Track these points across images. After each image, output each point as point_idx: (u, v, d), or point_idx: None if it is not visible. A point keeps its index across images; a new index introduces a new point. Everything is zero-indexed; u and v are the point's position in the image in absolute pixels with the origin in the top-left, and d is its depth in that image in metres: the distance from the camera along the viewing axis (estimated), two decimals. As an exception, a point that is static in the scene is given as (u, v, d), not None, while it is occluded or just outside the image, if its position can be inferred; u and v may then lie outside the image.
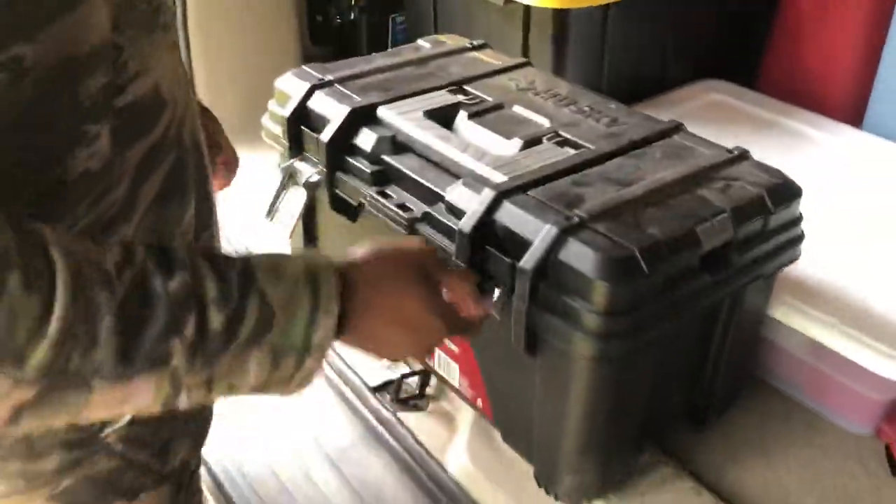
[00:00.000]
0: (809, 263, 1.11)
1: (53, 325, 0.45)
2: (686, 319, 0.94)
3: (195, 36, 1.81)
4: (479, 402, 1.14)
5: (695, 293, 0.91)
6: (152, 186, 0.64)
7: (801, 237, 1.04)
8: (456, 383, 1.17)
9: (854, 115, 1.53)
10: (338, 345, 0.61)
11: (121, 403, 0.51)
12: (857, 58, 1.53)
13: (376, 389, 1.33)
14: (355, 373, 1.36)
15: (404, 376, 1.31)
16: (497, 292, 0.88)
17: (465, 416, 1.24)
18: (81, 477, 0.68)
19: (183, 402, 0.53)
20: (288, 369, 0.56)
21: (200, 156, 0.73)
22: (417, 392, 1.32)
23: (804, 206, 1.02)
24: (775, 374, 1.21)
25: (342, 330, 0.59)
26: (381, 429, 1.29)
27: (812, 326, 1.09)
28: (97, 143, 0.57)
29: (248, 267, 0.54)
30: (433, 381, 1.31)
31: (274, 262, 0.56)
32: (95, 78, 0.55)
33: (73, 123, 0.56)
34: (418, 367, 1.31)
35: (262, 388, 0.57)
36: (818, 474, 1.11)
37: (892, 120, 1.47)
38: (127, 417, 0.68)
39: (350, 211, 1.16)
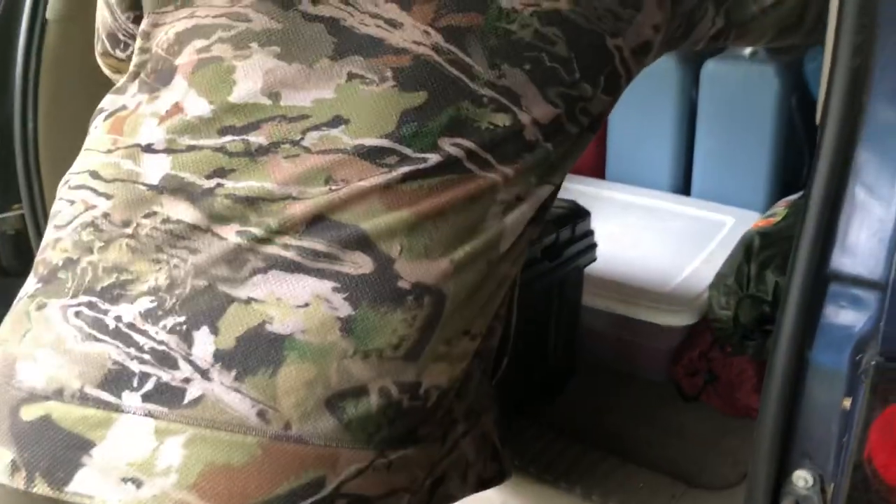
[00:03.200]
0: (598, 266, 1.56)
1: None
2: (534, 297, 1.34)
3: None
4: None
5: (542, 273, 1.33)
6: None
7: (595, 245, 1.50)
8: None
9: (596, 171, 2.08)
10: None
11: None
12: (591, 131, 2.10)
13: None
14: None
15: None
16: None
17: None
18: None
19: None
20: None
21: None
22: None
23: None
24: (595, 353, 1.63)
25: None
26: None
27: (613, 304, 1.53)
28: None
29: None
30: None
31: None
32: None
33: None
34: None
35: None
36: (639, 409, 1.52)
37: (623, 172, 2.04)
38: None
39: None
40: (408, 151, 0.68)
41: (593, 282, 1.57)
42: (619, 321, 1.55)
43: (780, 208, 1.47)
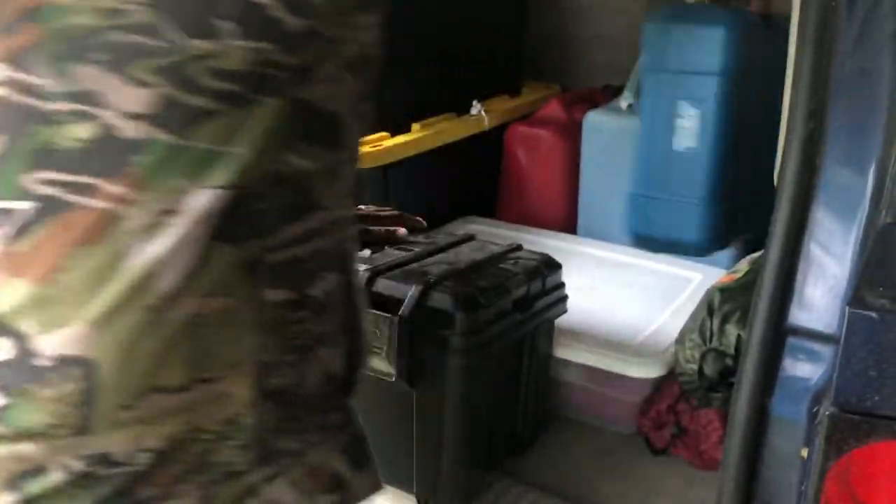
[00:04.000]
0: (568, 318, 1.59)
1: None
2: (506, 349, 1.36)
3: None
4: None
5: (511, 326, 1.35)
6: None
7: (566, 297, 1.53)
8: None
9: (568, 226, 2.13)
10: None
11: None
12: (562, 188, 2.15)
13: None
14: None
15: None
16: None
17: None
18: None
19: None
20: None
21: None
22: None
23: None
24: (565, 404, 1.65)
25: None
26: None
27: (582, 355, 1.56)
28: None
29: None
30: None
31: None
32: None
33: None
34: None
35: None
36: (608, 462, 1.54)
37: (594, 227, 2.09)
38: None
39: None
40: None
41: (563, 334, 1.60)
42: (589, 373, 1.57)
43: (744, 265, 1.52)
